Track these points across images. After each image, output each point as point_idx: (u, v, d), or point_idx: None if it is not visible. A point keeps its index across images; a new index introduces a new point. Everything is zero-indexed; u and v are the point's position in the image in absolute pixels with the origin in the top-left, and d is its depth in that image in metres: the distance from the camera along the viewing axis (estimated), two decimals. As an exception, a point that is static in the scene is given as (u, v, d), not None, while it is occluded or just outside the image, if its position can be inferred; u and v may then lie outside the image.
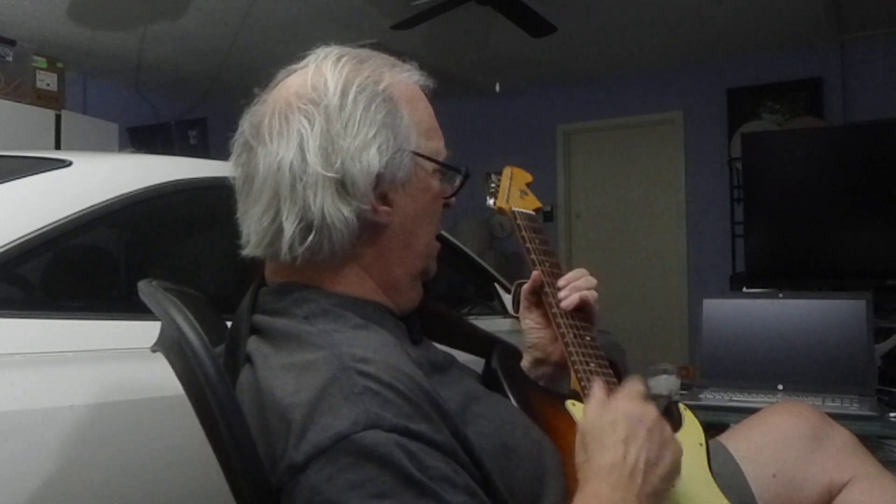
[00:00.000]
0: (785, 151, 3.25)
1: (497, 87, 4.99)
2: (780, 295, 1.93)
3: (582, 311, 0.99)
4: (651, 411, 0.76)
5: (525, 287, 1.04)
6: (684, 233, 4.94)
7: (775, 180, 3.22)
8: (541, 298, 1.01)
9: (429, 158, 0.81)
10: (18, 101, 3.64)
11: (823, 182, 3.14)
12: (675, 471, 0.74)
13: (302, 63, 0.81)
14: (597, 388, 0.81)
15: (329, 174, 0.73)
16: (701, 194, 4.88)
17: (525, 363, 1.05)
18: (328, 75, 0.77)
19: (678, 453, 0.75)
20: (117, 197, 1.29)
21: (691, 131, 4.93)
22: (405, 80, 0.82)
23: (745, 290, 2.53)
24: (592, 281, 1.00)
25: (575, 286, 0.99)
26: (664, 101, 5.00)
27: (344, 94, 0.75)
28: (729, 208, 4.59)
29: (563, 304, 0.97)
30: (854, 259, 3.06)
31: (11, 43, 3.68)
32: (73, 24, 4.03)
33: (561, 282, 1.00)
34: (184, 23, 4.07)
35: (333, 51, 0.81)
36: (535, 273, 1.01)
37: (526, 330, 1.06)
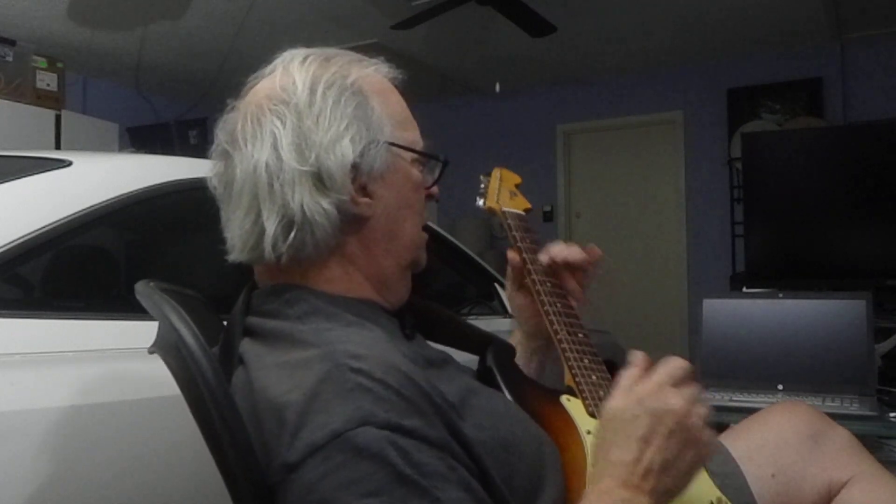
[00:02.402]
0: (785, 151, 3.25)
1: (497, 87, 4.99)
2: (780, 295, 1.93)
3: (572, 266, 1.01)
4: (679, 405, 0.70)
5: (508, 272, 1.06)
6: (684, 233, 4.94)
7: (775, 180, 3.21)
8: (524, 282, 1.03)
9: (405, 148, 0.81)
10: (18, 101, 3.64)
11: (823, 182, 3.13)
12: (693, 471, 0.70)
13: (269, 68, 0.82)
14: (626, 375, 0.74)
15: (304, 168, 0.73)
16: (701, 194, 4.88)
17: (519, 339, 1.07)
18: (296, 75, 0.78)
19: (701, 454, 0.70)
20: (117, 197, 1.29)
21: (691, 131, 4.93)
22: (372, 73, 0.82)
23: (745, 290, 2.53)
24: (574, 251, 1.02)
25: (552, 254, 1.01)
26: (664, 101, 5.00)
27: (312, 90, 0.76)
28: (729, 208, 4.60)
29: (540, 258, 1.00)
30: (854, 259, 3.06)
31: (11, 43, 3.69)
32: (73, 24, 4.03)
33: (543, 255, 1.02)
34: (184, 23, 4.07)
35: (299, 52, 0.82)
36: (509, 252, 1.03)
37: (515, 309, 1.08)
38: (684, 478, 0.70)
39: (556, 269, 1.02)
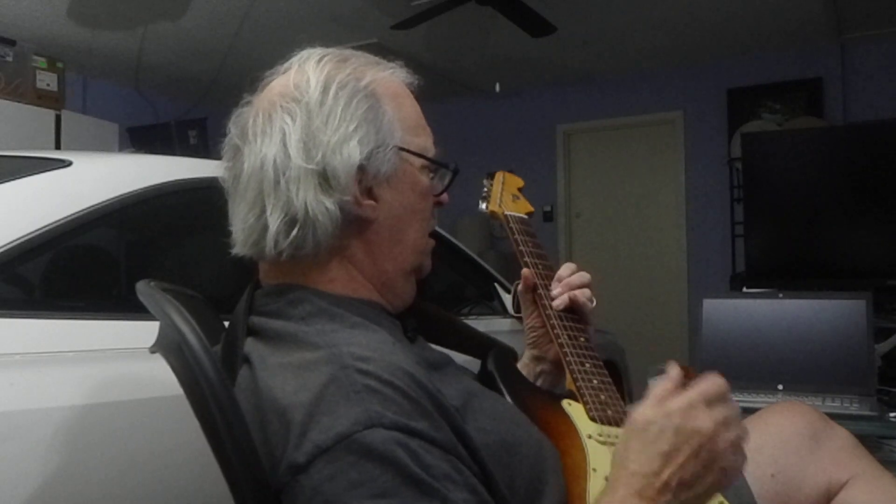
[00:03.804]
0: (785, 151, 3.25)
1: (497, 87, 4.99)
2: (780, 295, 1.93)
3: (575, 310, 0.99)
4: (707, 427, 0.67)
5: (519, 288, 1.04)
6: (684, 233, 4.94)
7: (775, 180, 3.22)
8: (535, 298, 1.02)
9: (415, 154, 0.81)
10: (18, 101, 3.64)
11: (823, 182, 3.14)
12: (712, 493, 0.68)
13: (286, 65, 0.82)
14: (662, 384, 0.71)
15: (310, 167, 0.74)
16: (701, 194, 4.88)
17: (525, 360, 1.05)
18: (310, 74, 0.78)
19: (722, 479, 0.68)
20: (117, 197, 1.29)
21: (691, 131, 4.93)
22: (389, 77, 0.82)
23: (745, 290, 2.53)
24: (585, 276, 1.00)
25: (568, 283, 0.99)
26: (664, 101, 5.00)
27: (325, 90, 0.76)
28: (729, 208, 4.59)
29: (555, 304, 0.98)
30: (854, 259, 3.06)
31: (11, 43, 3.69)
32: (73, 24, 4.03)
33: (555, 281, 1.00)
34: (184, 23, 4.07)
35: (316, 51, 0.82)
36: (524, 271, 1.02)
37: (525, 328, 1.07)
38: (700, 498, 0.67)
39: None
